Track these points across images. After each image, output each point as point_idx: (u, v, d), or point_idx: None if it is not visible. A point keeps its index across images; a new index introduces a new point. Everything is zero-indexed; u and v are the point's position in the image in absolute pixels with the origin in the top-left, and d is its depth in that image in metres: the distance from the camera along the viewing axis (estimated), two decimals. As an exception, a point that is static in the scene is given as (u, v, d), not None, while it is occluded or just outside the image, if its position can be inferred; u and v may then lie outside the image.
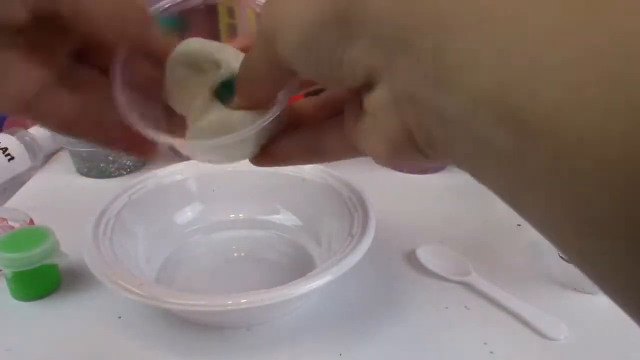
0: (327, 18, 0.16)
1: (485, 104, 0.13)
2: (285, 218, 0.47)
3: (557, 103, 0.12)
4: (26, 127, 0.62)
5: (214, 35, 0.23)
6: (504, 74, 0.13)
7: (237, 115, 0.22)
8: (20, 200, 0.53)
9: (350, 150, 0.22)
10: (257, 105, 0.22)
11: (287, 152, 0.24)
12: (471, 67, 0.13)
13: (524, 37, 0.12)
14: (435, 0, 0.14)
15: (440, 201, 0.52)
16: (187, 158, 0.51)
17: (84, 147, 0.55)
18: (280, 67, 0.19)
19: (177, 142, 0.22)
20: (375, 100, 0.17)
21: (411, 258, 0.43)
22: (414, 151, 0.17)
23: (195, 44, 0.22)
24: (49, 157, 0.62)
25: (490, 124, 0.13)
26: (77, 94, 0.22)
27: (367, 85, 0.17)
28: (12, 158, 0.56)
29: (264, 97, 0.21)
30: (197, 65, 0.22)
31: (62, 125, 0.23)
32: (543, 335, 0.35)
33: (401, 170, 0.57)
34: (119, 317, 0.37)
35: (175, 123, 0.23)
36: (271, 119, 0.21)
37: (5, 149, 0.56)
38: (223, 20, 0.84)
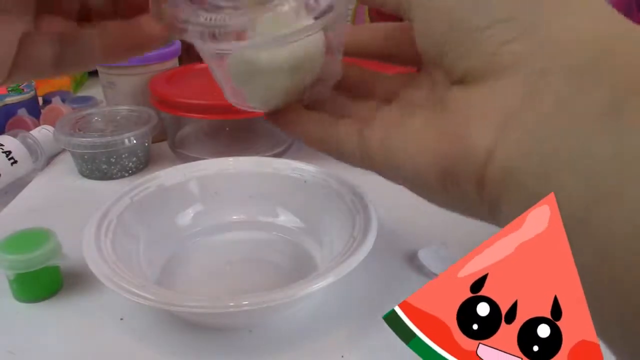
0: None
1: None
2: (287, 220, 0.47)
3: None
4: (28, 129, 0.62)
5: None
6: None
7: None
8: (22, 202, 0.53)
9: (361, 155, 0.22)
10: None
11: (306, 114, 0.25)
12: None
13: None
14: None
15: (442, 203, 0.52)
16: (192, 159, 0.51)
17: (86, 150, 0.55)
18: None
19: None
20: (499, 89, 0.17)
21: (413, 260, 0.43)
22: (476, 158, 0.18)
23: None
24: (50, 159, 0.63)
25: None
26: (56, 43, 0.24)
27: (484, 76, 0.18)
28: (16, 162, 0.56)
29: None
30: None
31: (40, 74, 0.24)
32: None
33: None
34: (121, 319, 0.37)
35: None
36: (328, 16, 0.21)
37: (9, 152, 0.56)
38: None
